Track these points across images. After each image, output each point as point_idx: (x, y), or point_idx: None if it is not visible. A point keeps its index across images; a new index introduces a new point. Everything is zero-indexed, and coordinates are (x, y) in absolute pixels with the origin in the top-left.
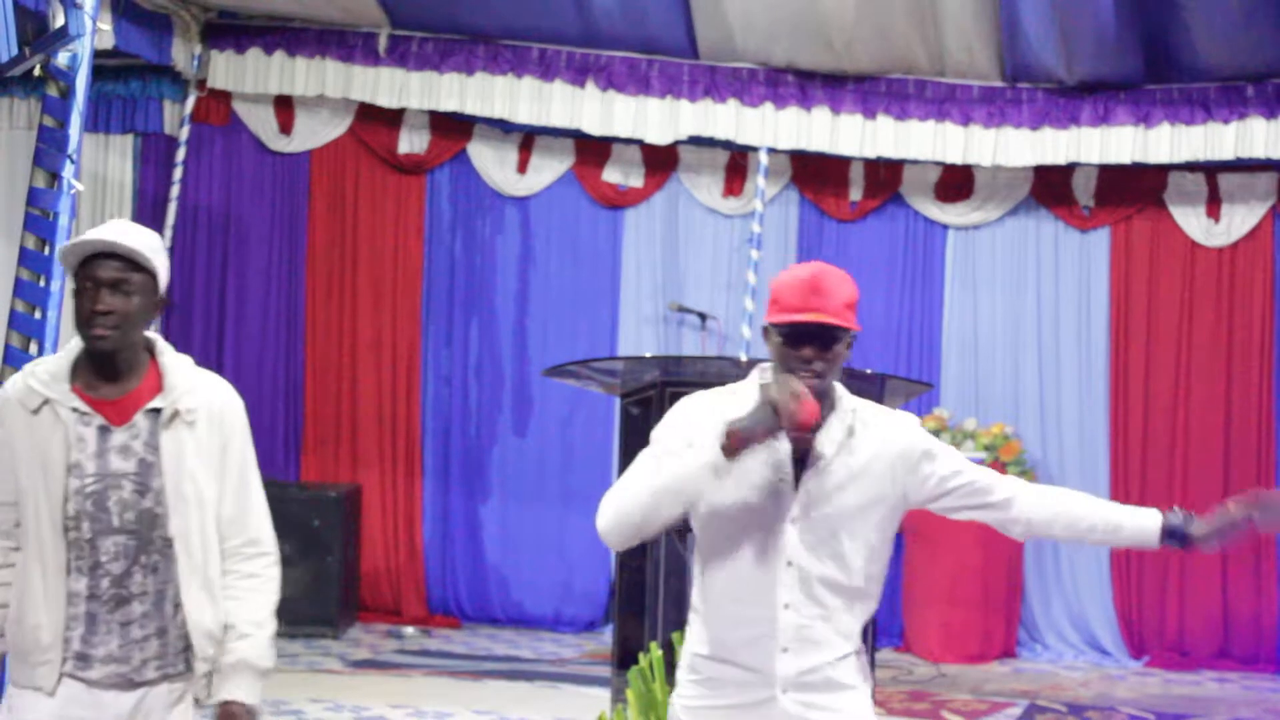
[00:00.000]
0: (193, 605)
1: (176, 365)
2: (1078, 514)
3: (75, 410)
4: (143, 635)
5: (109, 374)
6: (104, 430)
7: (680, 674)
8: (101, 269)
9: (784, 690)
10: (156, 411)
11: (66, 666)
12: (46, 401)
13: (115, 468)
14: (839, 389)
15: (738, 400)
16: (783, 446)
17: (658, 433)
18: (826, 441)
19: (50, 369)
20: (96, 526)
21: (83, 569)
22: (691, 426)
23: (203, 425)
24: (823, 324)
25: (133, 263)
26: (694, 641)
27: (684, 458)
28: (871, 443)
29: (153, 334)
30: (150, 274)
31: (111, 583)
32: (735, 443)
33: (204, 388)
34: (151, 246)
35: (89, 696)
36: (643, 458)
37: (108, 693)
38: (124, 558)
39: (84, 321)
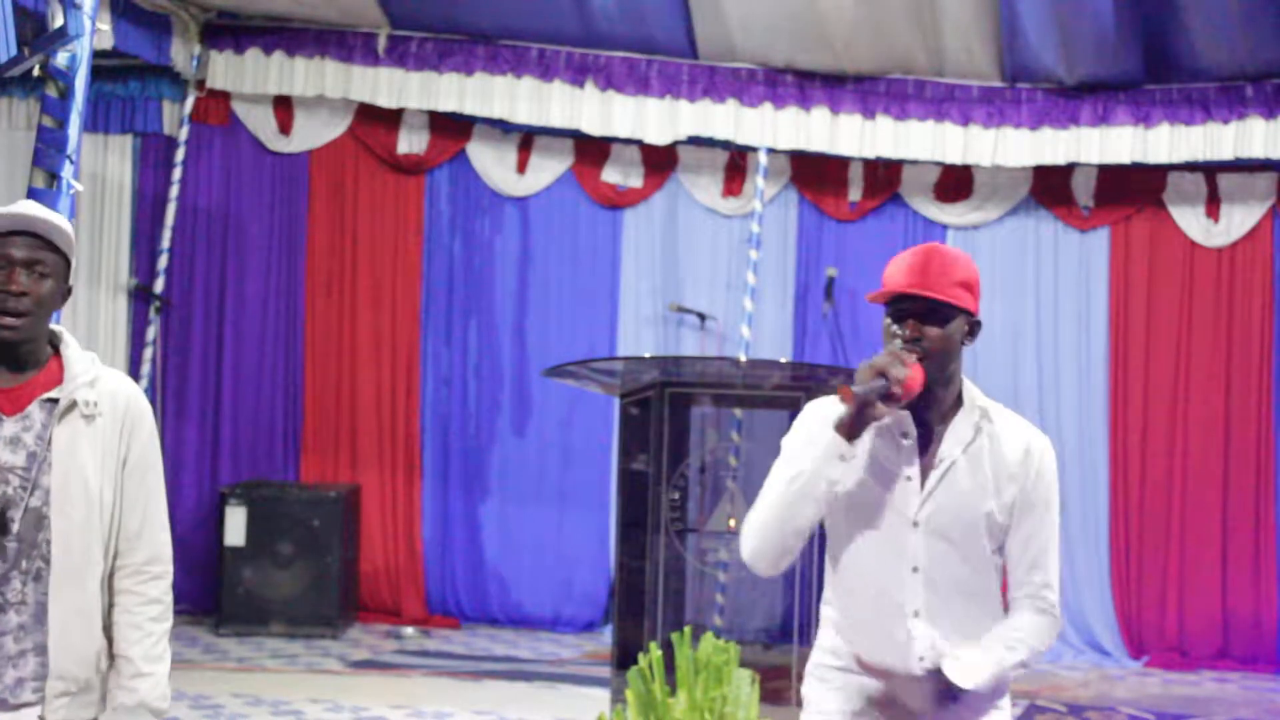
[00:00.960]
0: (59, 616)
1: (80, 358)
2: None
3: None
4: (18, 650)
5: (9, 361)
6: None
7: (809, 681)
8: (14, 247)
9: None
10: (53, 403)
11: None
12: None
13: (3, 460)
14: (968, 387)
15: None
16: (909, 446)
17: (786, 440)
18: (953, 442)
19: None
20: None
21: None
22: (815, 425)
23: (104, 422)
24: (917, 296)
25: (47, 242)
26: (820, 652)
27: (805, 453)
28: (1000, 448)
29: (58, 326)
30: (64, 257)
31: None
32: (845, 397)
33: (108, 382)
34: (67, 228)
35: None
36: (773, 469)
37: None
38: (3, 560)
39: None
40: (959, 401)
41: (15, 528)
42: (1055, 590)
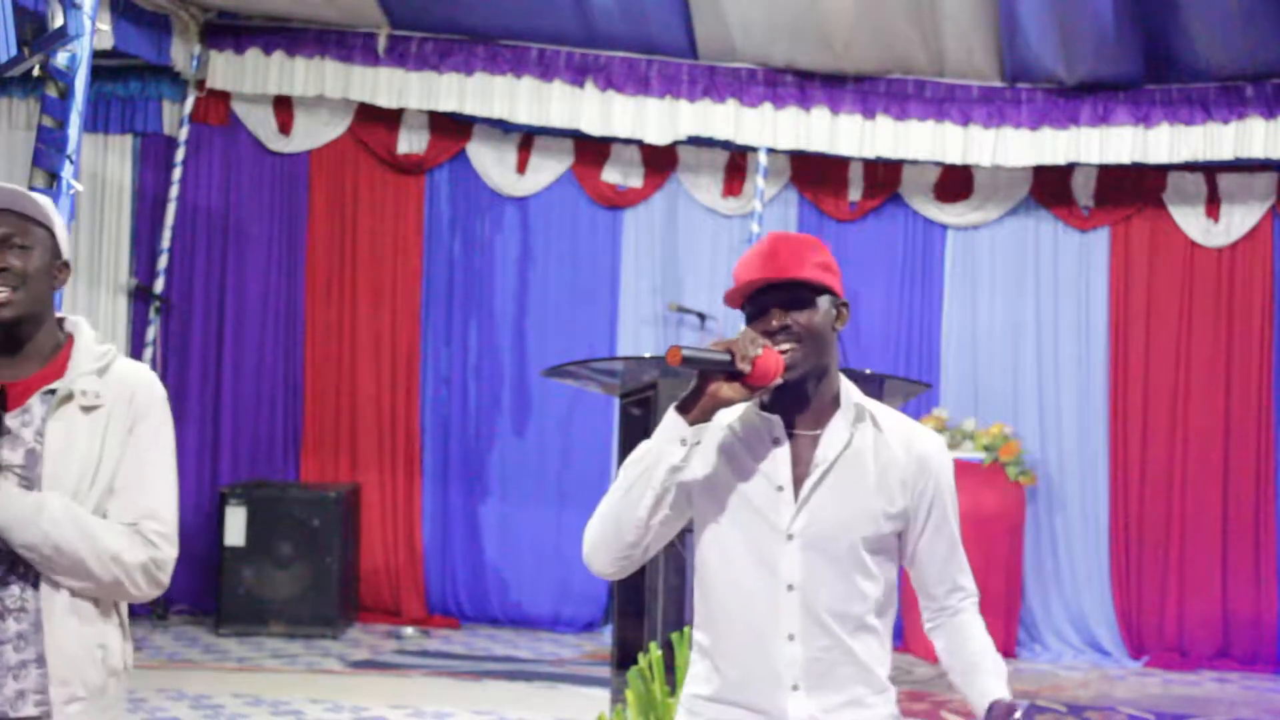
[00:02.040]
0: (55, 618)
1: (90, 348)
2: (958, 659)
3: None
4: (18, 660)
5: (8, 348)
6: None
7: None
8: None
9: None
10: (51, 394)
11: None
12: None
13: (2, 458)
14: (846, 386)
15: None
16: (780, 452)
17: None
18: (828, 446)
19: None
20: None
21: None
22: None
23: (107, 412)
24: (776, 282)
25: (26, 217)
26: (693, 682)
27: (648, 442)
28: (884, 450)
29: (77, 317)
30: (48, 229)
31: None
32: (672, 358)
33: (119, 371)
34: (44, 200)
35: None
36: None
37: None
38: (1, 564)
39: None
40: (836, 402)
41: None
42: (972, 581)
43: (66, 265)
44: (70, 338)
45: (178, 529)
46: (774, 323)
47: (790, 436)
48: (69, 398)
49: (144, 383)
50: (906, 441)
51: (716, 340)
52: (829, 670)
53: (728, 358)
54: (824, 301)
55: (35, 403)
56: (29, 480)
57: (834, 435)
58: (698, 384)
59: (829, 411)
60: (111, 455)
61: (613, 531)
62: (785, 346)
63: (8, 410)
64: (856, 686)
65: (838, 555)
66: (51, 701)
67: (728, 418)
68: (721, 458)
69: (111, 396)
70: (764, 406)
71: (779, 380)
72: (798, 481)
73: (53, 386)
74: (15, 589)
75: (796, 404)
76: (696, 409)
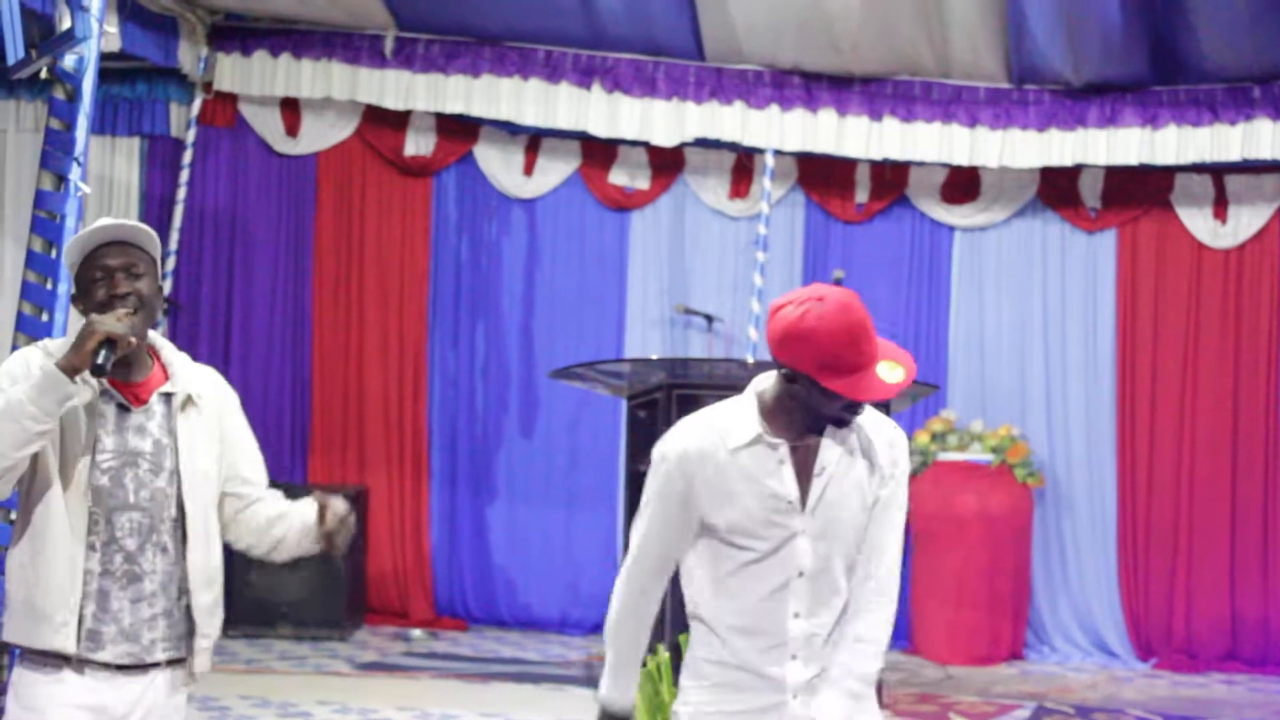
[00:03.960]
0: (198, 581)
1: (178, 357)
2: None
3: (100, 387)
4: (151, 614)
5: (123, 359)
6: (122, 410)
7: (685, 680)
8: (111, 256)
9: (795, 695)
10: (167, 396)
11: (79, 648)
12: None
13: (133, 446)
14: None
15: (732, 415)
16: (785, 469)
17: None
18: (825, 452)
19: (61, 348)
20: (113, 502)
21: (96, 545)
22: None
23: (207, 411)
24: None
25: (136, 246)
26: (700, 648)
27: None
28: (864, 440)
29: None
30: (153, 258)
31: (125, 559)
32: None
33: (203, 374)
34: (150, 230)
35: (98, 681)
36: None
37: (117, 676)
38: (137, 535)
39: (102, 307)
40: None
41: (147, 505)
42: (895, 574)
43: (161, 289)
44: (152, 346)
45: None
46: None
47: (791, 450)
48: (187, 399)
49: (222, 384)
50: (877, 427)
51: None
52: (821, 642)
53: None
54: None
55: (155, 402)
56: (157, 467)
57: (827, 444)
58: None
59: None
60: (215, 447)
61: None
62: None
63: (134, 407)
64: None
65: (843, 540)
66: (194, 647)
67: (738, 448)
68: (737, 483)
69: (208, 396)
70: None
71: None
72: (803, 489)
73: (168, 390)
74: (149, 555)
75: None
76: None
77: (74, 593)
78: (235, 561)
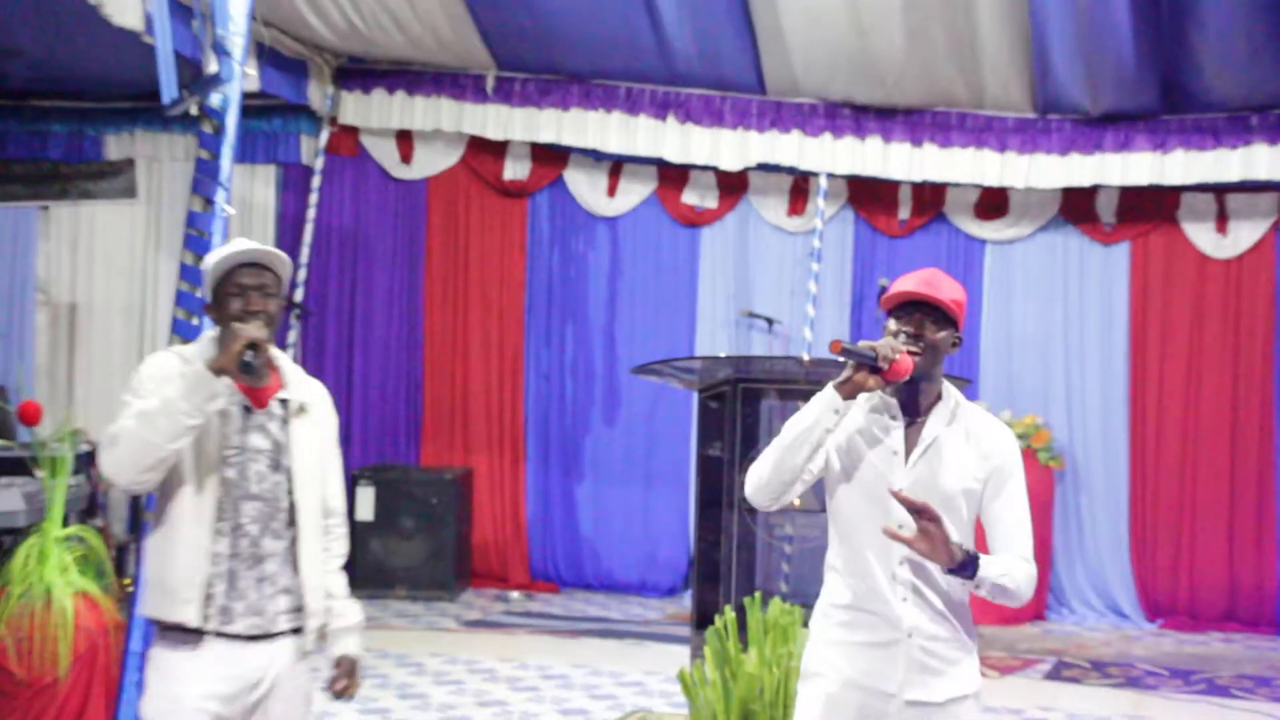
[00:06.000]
0: (309, 569)
1: (291, 367)
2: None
3: (228, 391)
4: (273, 591)
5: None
6: (246, 410)
7: (816, 622)
8: (248, 276)
9: (909, 635)
10: (283, 402)
11: (211, 623)
12: None
13: (254, 444)
14: (948, 387)
15: None
16: (896, 428)
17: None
18: (934, 426)
19: (198, 353)
20: (238, 492)
21: (224, 530)
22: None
23: (317, 418)
24: (926, 301)
25: (267, 268)
26: (831, 593)
27: (808, 406)
28: (973, 438)
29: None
30: (281, 280)
31: (250, 543)
32: (835, 348)
33: (310, 384)
34: (282, 254)
35: (231, 651)
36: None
37: (248, 646)
38: (259, 521)
39: (237, 319)
40: (939, 397)
41: (268, 496)
42: (1032, 551)
43: (283, 308)
44: (270, 357)
45: None
46: (913, 329)
47: (906, 417)
48: (301, 406)
49: (326, 395)
50: (985, 429)
51: (867, 341)
52: (926, 589)
53: (873, 355)
54: (950, 329)
55: (273, 405)
56: (275, 464)
57: (936, 420)
58: (849, 371)
59: (934, 404)
60: (320, 448)
61: (774, 474)
62: (913, 348)
63: (257, 409)
64: (940, 602)
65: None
66: (305, 625)
67: (864, 400)
68: (855, 430)
69: (318, 404)
70: (892, 393)
71: (906, 379)
72: (909, 450)
73: (285, 396)
74: (269, 540)
75: (912, 395)
76: (847, 388)
77: (199, 571)
78: (358, 530)
